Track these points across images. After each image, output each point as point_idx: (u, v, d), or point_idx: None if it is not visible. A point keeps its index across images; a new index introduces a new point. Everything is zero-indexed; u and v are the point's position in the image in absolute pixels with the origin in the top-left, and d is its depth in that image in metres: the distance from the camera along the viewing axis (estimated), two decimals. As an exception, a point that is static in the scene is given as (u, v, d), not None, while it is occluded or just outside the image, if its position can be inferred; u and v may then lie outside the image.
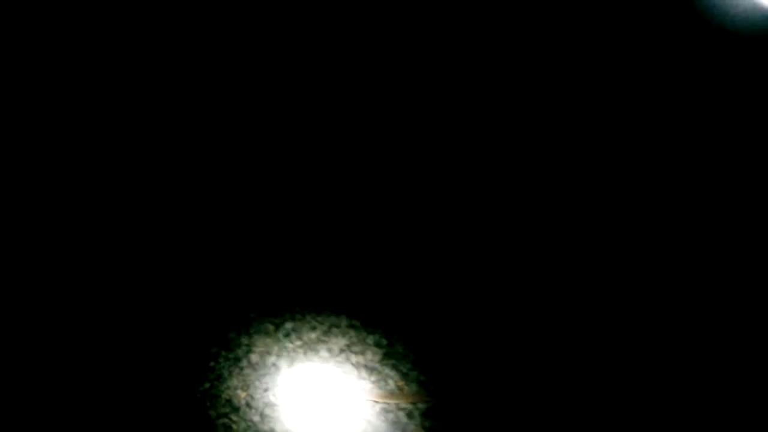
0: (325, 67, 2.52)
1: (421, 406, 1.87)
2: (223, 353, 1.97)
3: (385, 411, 1.85)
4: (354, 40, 2.52)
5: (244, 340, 2.01)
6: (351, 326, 2.10)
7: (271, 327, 2.06)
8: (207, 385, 1.86)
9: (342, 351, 2.01)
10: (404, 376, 1.96)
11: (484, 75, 2.50)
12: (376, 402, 1.87)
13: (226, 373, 1.90)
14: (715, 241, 2.25)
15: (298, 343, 2.02)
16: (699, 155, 2.39)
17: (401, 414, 1.85)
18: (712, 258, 2.21)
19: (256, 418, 1.79)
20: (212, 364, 1.93)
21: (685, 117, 2.46)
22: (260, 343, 2.00)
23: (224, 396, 1.84)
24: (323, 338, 2.05)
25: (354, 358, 1.99)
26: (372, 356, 2.01)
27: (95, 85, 2.47)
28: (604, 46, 2.52)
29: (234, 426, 1.76)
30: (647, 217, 2.32)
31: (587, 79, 2.52)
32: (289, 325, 2.08)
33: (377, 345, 2.05)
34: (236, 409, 1.80)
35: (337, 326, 2.10)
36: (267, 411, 1.81)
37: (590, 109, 2.48)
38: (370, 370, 1.96)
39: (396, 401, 1.87)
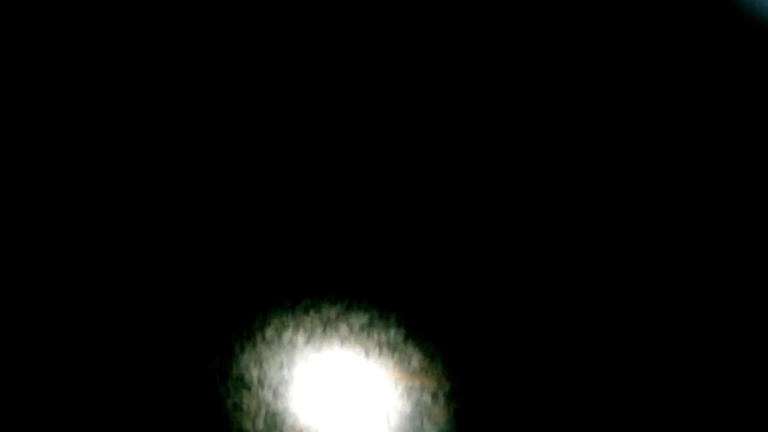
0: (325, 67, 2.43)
1: (446, 387, 1.73)
2: (235, 327, 1.86)
3: (409, 392, 1.71)
4: (354, 41, 2.44)
5: (259, 314, 1.90)
6: (373, 302, 1.97)
7: (288, 301, 1.95)
8: (217, 361, 1.77)
9: (363, 328, 1.88)
10: (429, 355, 1.81)
11: (484, 75, 2.40)
12: (399, 382, 1.74)
13: (237, 348, 1.80)
14: (715, 242, 2.14)
15: (317, 318, 1.90)
16: (701, 156, 2.28)
17: (426, 395, 1.71)
18: (712, 258, 2.10)
19: (269, 397, 1.68)
20: (223, 338, 1.83)
21: (691, 117, 2.34)
22: (276, 318, 1.89)
23: (235, 373, 1.73)
24: (343, 314, 1.92)
25: (376, 336, 1.86)
26: (395, 334, 1.87)
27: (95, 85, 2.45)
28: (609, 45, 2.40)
29: (245, 404, 1.66)
30: (650, 216, 2.21)
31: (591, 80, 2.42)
32: (307, 300, 1.96)
33: (400, 323, 1.91)
34: (248, 387, 1.70)
35: (359, 302, 1.97)
36: (281, 389, 1.70)
37: (593, 110, 2.38)
38: (393, 348, 1.83)
39: (420, 382, 1.74)
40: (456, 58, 2.45)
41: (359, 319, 1.92)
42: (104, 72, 2.43)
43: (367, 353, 1.82)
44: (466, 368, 1.79)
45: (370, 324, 1.90)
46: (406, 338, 1.86)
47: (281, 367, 1.75)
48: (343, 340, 1.85)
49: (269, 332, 1.85)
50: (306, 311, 1.93)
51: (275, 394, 1.69)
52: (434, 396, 1.71)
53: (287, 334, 1.85)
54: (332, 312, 1.93)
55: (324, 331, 1.87)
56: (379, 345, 1.84)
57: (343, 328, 1.89)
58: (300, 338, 1.84)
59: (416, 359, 1.80)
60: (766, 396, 1.81)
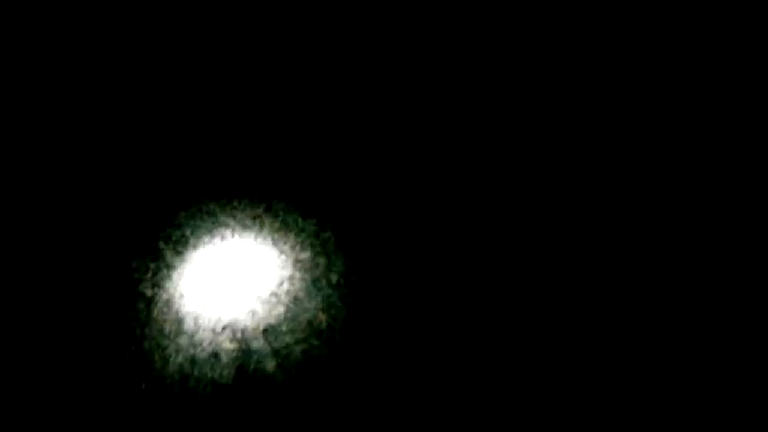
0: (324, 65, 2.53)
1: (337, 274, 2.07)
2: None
3: (298, 279, 2.02)
4: (354, 40, 2.52)
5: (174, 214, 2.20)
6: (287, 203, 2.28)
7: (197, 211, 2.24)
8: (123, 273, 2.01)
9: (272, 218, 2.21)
10: (321, 251, 2.14)
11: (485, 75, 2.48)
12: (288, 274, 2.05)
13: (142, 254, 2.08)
14: (716, 242, 2.18)
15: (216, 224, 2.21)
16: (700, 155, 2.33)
17: (315, 277, 2.04)
18: (712, 258, 2.15)
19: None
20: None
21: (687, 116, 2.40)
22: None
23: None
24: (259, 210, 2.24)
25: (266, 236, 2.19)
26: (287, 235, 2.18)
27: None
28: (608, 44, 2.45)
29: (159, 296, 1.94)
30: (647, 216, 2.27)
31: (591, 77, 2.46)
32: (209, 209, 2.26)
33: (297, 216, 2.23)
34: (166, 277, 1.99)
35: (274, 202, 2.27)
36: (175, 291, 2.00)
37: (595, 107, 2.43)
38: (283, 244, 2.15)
39: (310, 271, 2.06)
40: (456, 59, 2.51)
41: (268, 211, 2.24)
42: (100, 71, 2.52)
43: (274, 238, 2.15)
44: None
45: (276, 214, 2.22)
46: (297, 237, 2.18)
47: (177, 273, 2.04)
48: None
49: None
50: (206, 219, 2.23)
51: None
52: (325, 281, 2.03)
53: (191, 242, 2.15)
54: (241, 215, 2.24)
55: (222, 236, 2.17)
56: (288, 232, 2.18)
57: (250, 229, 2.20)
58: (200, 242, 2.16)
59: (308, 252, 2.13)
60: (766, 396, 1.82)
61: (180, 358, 1.72)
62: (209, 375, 1.71)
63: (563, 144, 2.35)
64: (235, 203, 2.25)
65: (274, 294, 1.94)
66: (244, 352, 1.79)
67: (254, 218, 2.19)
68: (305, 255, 2.05)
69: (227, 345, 1.77)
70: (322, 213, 2.26)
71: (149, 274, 1.95)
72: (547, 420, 1.80)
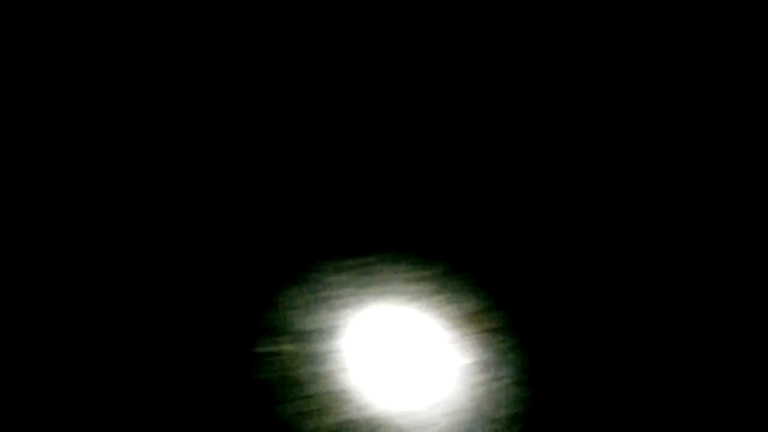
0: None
1: (495, 330, 1.98)
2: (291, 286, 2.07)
3: (464, 336, 1.96)
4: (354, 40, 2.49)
5: (314, 275, 2.10)
6: (430, 265, 2.18)
7: (347, 263, 2.14)
8: (271, 315, 1.98)
9: (419, 284, 2.09)
10: (480, 304, 2.06)
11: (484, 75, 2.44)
12: (456, 328, 1.98)
13: (293, 303, 2.01)
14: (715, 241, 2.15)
15: (373, 277, 2.11)
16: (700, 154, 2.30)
17: (479, 337, 1.96)
18: (712, 258, 2.11)
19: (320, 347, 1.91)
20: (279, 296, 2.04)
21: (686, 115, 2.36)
22: (332, 278, 2.09)
23: (289, 324, 1.95)
24: (401, 273, 2.13)
25: (430, 289, 2.08)
26: (449, 288, 2.09)
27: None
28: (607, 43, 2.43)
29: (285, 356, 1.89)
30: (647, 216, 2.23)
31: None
32: (364, 261, 2.16)
33: (452, 277, 2.13)
34: (300, 335, 1.93)
35: (414, 263, 2.17)
36: (332, 340, 1.93)
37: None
38: (446, 300, 2.06)
39: (473, 326, 1.98)
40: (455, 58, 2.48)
41: (414, 275, 2.12)
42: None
43: (422, 304, 2.04)
44: (512, 314, 2.03)
45: (425, 280, 2.11)
46: (459, 291, 2.08)
47: (334, 320, 1.98)
48: (402, 296, 2.07)
49: (323, 293, 2.06)
50: (362, 271, 2.13)
51: (326, 344, 1.92)
52: (485, 339, 1.96)
53: (344, 293, 2.06)
54: (390, 272, 2.14)
55: (380, 288, 2.09)
56: (431, 295, 2.06)
57: (402, 285, 2.10)
58: (356, 295, 2.06)
59: (468, 307, 2.03)
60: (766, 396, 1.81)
61: None
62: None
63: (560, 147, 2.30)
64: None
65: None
66: None
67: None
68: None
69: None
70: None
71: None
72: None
